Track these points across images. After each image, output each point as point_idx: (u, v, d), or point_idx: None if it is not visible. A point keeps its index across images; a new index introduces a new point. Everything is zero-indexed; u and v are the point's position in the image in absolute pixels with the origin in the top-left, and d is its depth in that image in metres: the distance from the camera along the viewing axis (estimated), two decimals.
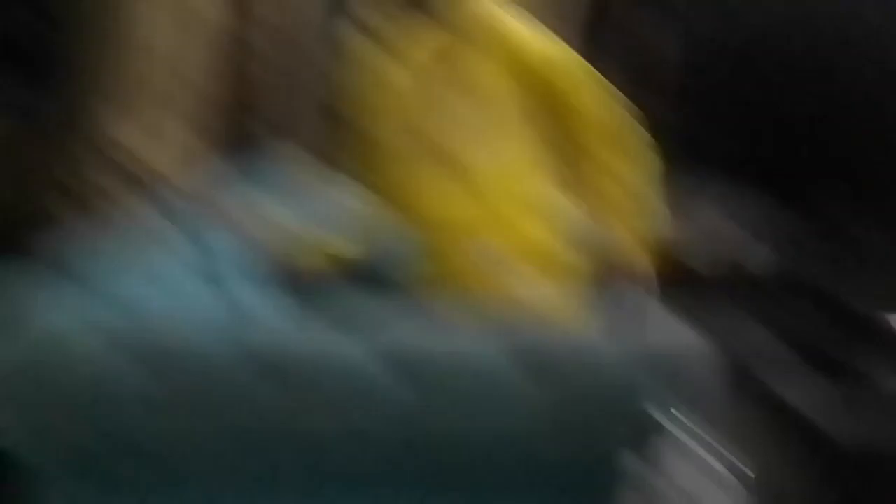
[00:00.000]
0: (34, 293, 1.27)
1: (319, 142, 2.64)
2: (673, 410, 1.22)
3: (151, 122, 2.34)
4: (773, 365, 2.13)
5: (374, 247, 1.57)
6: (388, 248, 1.55)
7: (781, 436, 1.92)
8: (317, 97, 2.73)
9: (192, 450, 1.23)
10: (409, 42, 1.36)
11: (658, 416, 1.21)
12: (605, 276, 1.47)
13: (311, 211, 1.81)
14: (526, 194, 1.33)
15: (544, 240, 1.38)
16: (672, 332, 1.32)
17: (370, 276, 1.55)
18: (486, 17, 1.30)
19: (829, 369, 1.92)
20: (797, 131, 5.68)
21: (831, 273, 3.75)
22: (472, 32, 1.30)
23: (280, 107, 2.74)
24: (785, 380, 2.02)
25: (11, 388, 1.23)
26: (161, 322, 1.28)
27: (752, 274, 3.83)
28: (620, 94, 1.43)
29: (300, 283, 1.50)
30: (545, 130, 1.31)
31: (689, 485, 1.28)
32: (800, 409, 1.89)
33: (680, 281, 1.86)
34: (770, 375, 2.07)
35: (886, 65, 5.22)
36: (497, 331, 1.26)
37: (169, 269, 1.48)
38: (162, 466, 1.24)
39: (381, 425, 1.22)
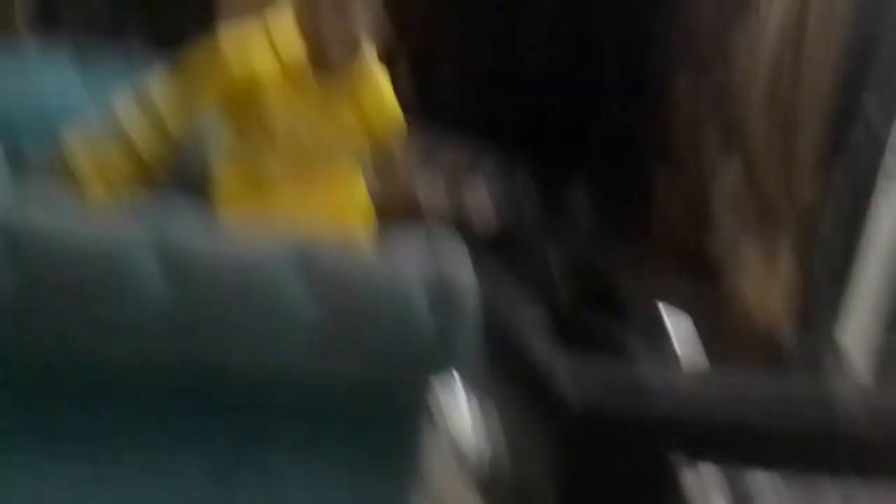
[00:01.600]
0: None
1: None
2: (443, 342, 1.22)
3: None
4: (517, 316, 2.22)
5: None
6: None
7: (520, 390, 2.02)
8: None
9: None
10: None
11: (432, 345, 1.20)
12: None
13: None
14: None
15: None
16: (451, 266, 1.32)
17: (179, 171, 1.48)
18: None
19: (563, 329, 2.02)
20: (533, 92, 6.12)
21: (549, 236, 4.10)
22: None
23: None
24: (527, 335, 2.11)
25: None
26: None
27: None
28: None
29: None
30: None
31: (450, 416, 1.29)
32: (536, 368, 1.98)
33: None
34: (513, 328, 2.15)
35: (622, 31, 5.75)
36: (284, 243, 1.19)
37: None
38: None
39: (137, 318, 1.10)
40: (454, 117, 5.36)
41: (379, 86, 1.78)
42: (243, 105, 1.65)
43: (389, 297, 1.21)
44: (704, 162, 5.19)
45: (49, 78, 2.05)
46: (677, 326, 2.05)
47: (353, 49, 1.70)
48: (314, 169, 1.72)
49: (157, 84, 1.69)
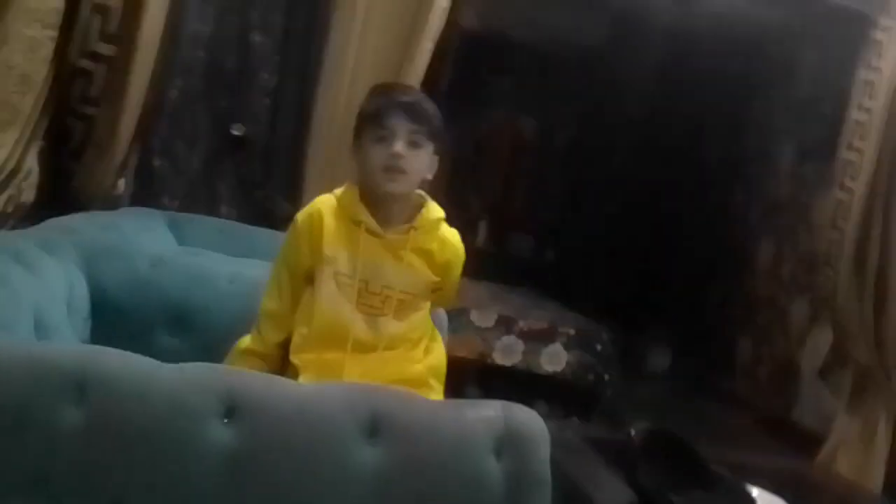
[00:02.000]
0: None
1: None
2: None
3: None
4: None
5: None
6: None
7: None
8: None
9: None
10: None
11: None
12: None
13: None
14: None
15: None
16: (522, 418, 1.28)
17: None
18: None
19: None
20: (620, 262, 6.12)
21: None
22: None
23: None
24: None
25: None
26: None
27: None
28: None
29: None
30: None
31: None
32: None
33: None
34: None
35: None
36: (350, 391, 1.18)
37: None
38: None
39: (200, 464, 1.09)
40: (536, 280, 5.45)
41: (444, 233, 1.82)
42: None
43: (455, 447, 1.17)
44: (792, 331, 5.06)
45: (142, 234, 2.16)
46: None
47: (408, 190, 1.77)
48: (385, 309, 1.74)
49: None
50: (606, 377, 4.13)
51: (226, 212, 2.90)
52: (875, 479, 3.28)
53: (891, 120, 3.11)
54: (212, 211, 2.87)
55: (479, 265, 2.18)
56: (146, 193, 2.88)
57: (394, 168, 1.71)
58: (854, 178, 3.21)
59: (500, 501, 1.18)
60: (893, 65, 3.08)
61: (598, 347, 4.12)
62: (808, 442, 3.80)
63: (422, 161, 1.76)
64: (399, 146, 1.71)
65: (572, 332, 4.12)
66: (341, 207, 1.78)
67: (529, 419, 1.23)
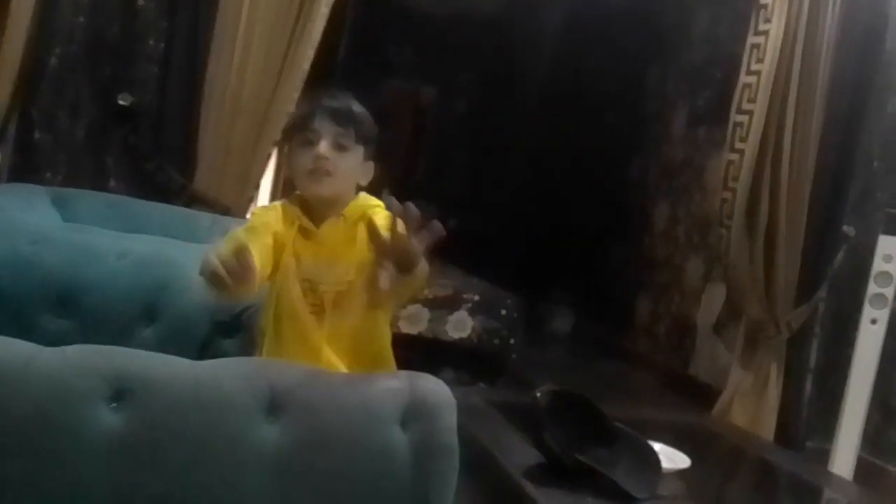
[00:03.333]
0: None
1: None
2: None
3: None
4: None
5: None
6: None
7: None
8: None
9: None
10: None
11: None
12: None
13: None
14: None
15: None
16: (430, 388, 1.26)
17: None
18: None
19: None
20: (516, 223, 6.19)
21: None
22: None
23: None
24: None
25: None
26: None
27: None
28: None
29: None
30: None
31: None
32: None
33: None
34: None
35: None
36: (254, 370, 1.14)
37: None
38: None
39: (85, 447, 1.03)
40: (439, 248, 5.44)
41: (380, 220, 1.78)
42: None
43: (359, 420, 1.15)
44: (687, 289, 5.24)
45: (23, 212, 2.03)
46: (671, 461, 1.97)
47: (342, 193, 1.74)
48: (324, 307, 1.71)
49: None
50: (511, 342, 4.18)
51: (114, 186, 2.77)
52: (768, 428, 3.43)
53: (777, 82, 3.21)
54: (99, 185, 2.74)
55: None
56: (27, 168, 2.73)
57: (318, 170, 1.69)
58: (744, 139, 3.30)
59: (408, 471, 1.16)
60: (779, 28, 3.17)
61: (503, 313, 4.16)
62: (706, 395, 3.95)
63: (349, 164, 1.73)
64: (323, 148, 1.69)
65: (477, 298, 4.14)
66: (283, 208, 1.76)
67: (435, 388, 1.21)
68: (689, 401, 4.32)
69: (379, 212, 1.78)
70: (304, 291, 1.70)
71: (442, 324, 4.09)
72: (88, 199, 2.34)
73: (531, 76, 6.04)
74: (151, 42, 2.78)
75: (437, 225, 1.42)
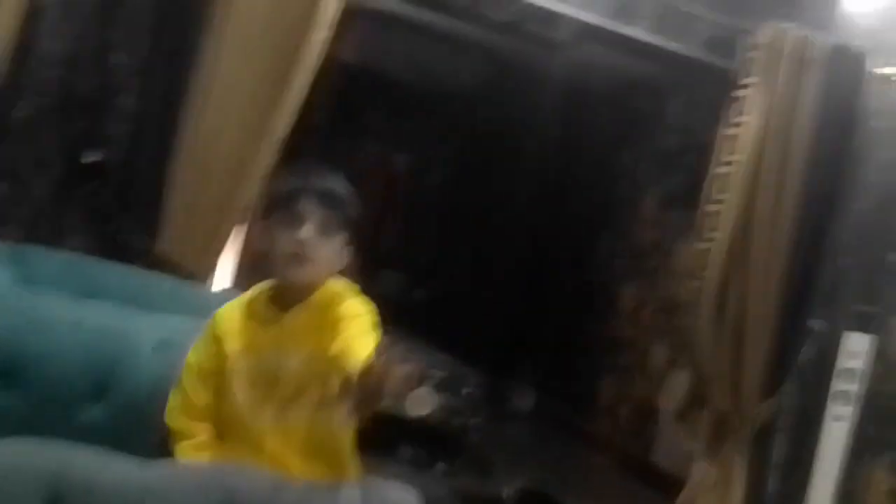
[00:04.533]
0: None
1: None
2: None
3: None
4: None
5: None
6: None
7: None
8: None
9: None
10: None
11: None
12: None
13: None
14: None
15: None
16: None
17: None
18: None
19: None
20: (484, 300, 6.15)
21: None
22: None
23: None
24: None
25: None
26: None
27: None
28: None
29: None
30: None
31: None
32: None
33: None
34: None
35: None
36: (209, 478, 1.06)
37: None
38: None
39: None
40: (406, 320, 5.37)
41: (350, 309, 1.68)
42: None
43: None
44: (652, 373, 5.20)
45: None
46: None
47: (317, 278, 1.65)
48: (286, 398, 1.60)
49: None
50: (472, 421, 4.10)
51: (76, 244, 2.68)
52: None
53: (750, 173, 3.24)
54: (61, 243, 2.64)
55: None
56: None
57: (299, 256, 1.60)
58: (715, 229, 3.31)
59: None
60: (755, 121, 3.21)
61: (466, 391, 4.08)
62: (668, 484, 3.87)
63: (331, 250, 1.65)
64: (307, 232, 1.60)
65: (441, 375, 4.06)
66: (247, 303, 1.68)
67: (399, 499, 1.14)
68: (651, 491, 4.25)
69: (348, 300, 1.69)
70: (261, 382, 1.60)
71: (401, 399, 3.99)
72: (46, 258, 2.25)
73: (503, 153, 6.07)
74: (123, 99, 2.72)
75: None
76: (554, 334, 6.23)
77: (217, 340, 1.66)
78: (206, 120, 2.66)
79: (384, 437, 1.85)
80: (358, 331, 1.61)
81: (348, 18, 2.90)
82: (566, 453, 5.21)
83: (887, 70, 3.30)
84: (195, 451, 1.51)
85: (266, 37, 2.68)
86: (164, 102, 2.68)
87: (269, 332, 1.65)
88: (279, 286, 1.67)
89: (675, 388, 4.78)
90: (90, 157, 2.70)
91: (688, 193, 4.49)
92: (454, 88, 5.83)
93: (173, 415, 1.60)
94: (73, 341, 1.72)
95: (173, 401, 1.64)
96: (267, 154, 2.73)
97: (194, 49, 2.66)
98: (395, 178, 6.23)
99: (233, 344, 1.64)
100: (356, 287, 1.73)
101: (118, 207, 2.68)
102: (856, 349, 3.34)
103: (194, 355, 1.68)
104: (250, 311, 1.67)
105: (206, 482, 1.07)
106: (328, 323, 1.63)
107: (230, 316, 1.68)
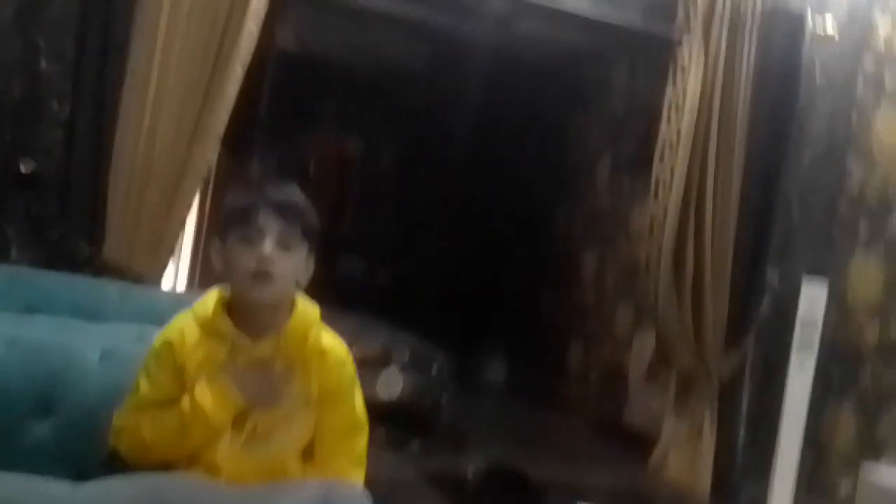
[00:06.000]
0: None
1: None
2: None
3: None
4: None
5: None
6: None
7: None
8: None
9: None
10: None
11: None
12: None
13: None
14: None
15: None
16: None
17: None
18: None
19: None
20: (445, 274, 6.16)
21: None
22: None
23: None
24: None
25: None
26: None
27: None
28: None
29: None
30: None
31: None
32: None
33: None
34: None
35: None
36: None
37: None
38: None
39: None
40: (370, 303, 5.36)
41: (321, 344, 1.66)
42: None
43: None
44: (618, 337, 5.24)
45: None
46: None
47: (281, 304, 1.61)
48: (253, 434, 1.58)
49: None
50: (444, 398, 4.09)
51: (17, 256, 2.61)
52: (705, 476, 3.40)
53: (697, 135, 3.25)
54: (1, 257, 2.58)
55: (309, 289, 2.07)
56: None
57: (262, 273, 1.55)
58: (666, 190, 3.32)
59: None
60: (695, 83, 3.22)
61: (434, 369, 4.08)
62: (640, 444, 3.91)
63: (293, 265, 1.60)
64: (268, 248, 1.55)
65: (407, 355, 4.05)
66: (203, 322, 1.60)
67: (351, 497, 1.13)
68: (625, 452, 4.29)
69: (324, 334, 1.65)
70: (226, 415, 1.54)
71: (372, 383, 3.98)
72: None
73: (456, 128, 6.04)
74: (55, 105, 2.65)
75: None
76: (519, 305, 6.25)
77: (176, 370, 1.58)
78: (140, 120, 2.60)
79: None
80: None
81: (282, 6, 2.85)
82: (540, 422, 5.25)
83: (826, 27, 3.34)
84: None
85: (195, 31, 2.62)
86: (96, 106, 2.61)
87: (240, 362, 1.58)
88: (241, 303, 1.60)
89: (642, 350, 4.83)
90: (26, 167, 2.63)
91: (639, 157, 4.51)
92: (398, 69, 5.77)
93: (120, 438, 1.55)
94: (10, 358, 1.67)
95: (119, 422, 1.58)
96: (206, 151, 2.68)
97: (123, 50, 2.60)
98: (347, 164, 6.18)
99: (195, 372, 1.57)
100: (319, 310, 1.70)
101: (58, 216, 2.61)
102: (813, 298, 3.38)
103: (148, 385, 1.59)
104: (212, 334, 1.59)
105: (139, 495, 1.04)
106: (303, 359, 1.61)
107: (188, 341, 1.59)
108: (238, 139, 3.24)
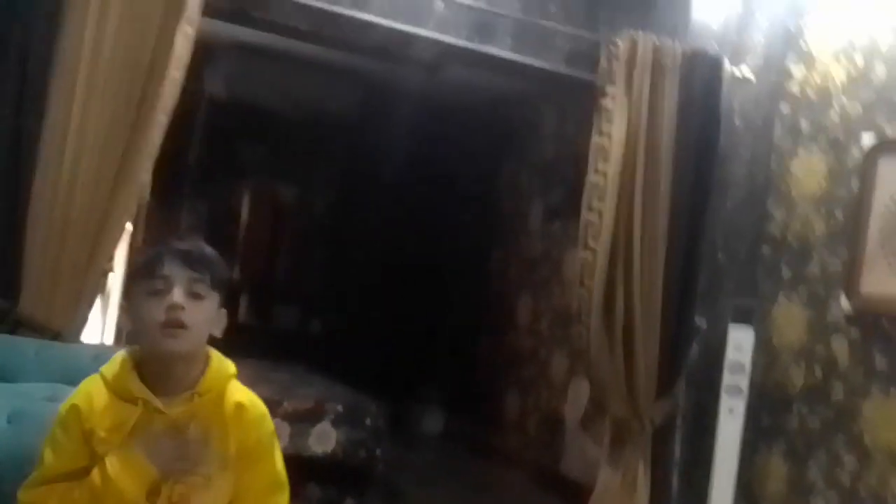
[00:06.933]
0: None
1: None
2: None
3: None
4: None
5: None
6: None
7: None
8: None
9: None
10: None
11: None
12: None
13: None
14: None
15: None
16: None
17: None
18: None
19: None
20: (379, 323, 6.10)
21: None
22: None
23: None
24: None
25: None
26: None
27: None
28: None
29: None
30: None
31: None
32: None
33: None
34: None
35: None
36: None
37: None
38: None
39: None
40: (303, 353, 5.26)
41: (238, 400, 1.62)
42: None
43: None
44: (554, 384, 5.23)
45: None
46: None
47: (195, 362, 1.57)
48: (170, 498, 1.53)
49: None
50: (378, 451, 4.01)
51: None
52: None
53: (623, 181, 3.29)
54: None
55: (241, 342, 2.00)
56: None
57: (173, 322, 1.50)
58: (596, 237, 3.34)
59: None
60: (620, 129, 3.27)
61: (368, 421, 4.00)
62: (577, 493, 3.89)
63: (204, 314, 1.55)
64: (177, 296, 1.51)
65: (340, 408, 3.97)
66: (113, 385, 1.55)
67: None
68: (563, 501, 4.26)
69: (238, 389, 1.62)
70: (144, 482, 1.49)
71: (304, 438, 3.88)
72: None
73: (388, 175, 6.05)
74: None
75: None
76: (455, 353, 6.21)
77: (84, 437, 1.52)
78: (59, 170, 2.53)
79: (289, 479, 1.78)
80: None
81: (210, 54, 2.82)
82: (478, 473, 5.19)
83: (743, 71, 3.43)
84: None
85: (116, 79, 2.57)
86: (12, 155, 2.53)
87: (153, 426, 1.53)
88: (152, 359, 1.55)
89: (577, 398, 4.83)
90: None
91: (570, 203, 4.56)
92: (330, 116, 5.77)
93: None
94: None
95: (25, 497, 1.51)
96: (129, 201, 2.62)
97: (41, 98, 2.53)
98: (280, 211, 6.12)
99: (106, 439, 1.51)
100: (234, 366, 1.65)
101: None
102: (739, 342, 3.42)
103: (53, 456, 1.53)
104: (122, 396, 1.54)
105: None
106: (220, 418, 1.57)
107: (97, 405, 1.53)
108: (167, 188, 3.17)
